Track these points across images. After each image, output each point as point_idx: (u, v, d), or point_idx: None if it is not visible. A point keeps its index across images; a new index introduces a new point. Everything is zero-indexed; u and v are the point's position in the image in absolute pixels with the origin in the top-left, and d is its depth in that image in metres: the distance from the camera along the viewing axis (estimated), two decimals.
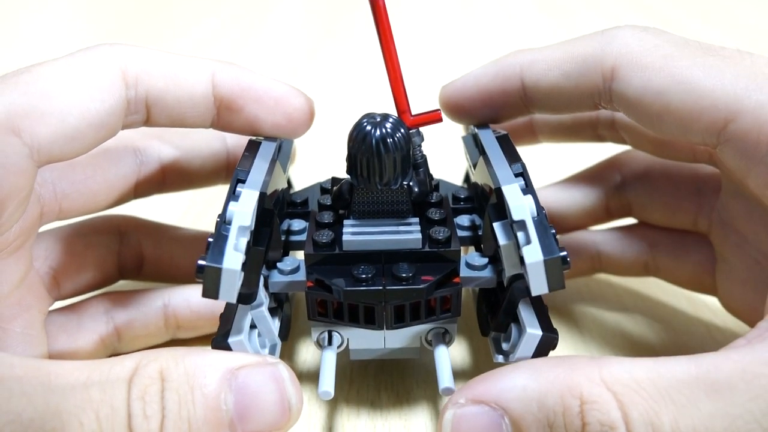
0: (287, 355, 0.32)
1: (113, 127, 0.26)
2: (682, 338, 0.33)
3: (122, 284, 0.33)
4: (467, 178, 0.37)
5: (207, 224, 0.42)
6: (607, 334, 0.34)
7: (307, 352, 0.32)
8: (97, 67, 0.25)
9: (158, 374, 0.20)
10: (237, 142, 0.33)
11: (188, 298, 0.31)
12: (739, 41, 0.82)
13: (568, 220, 0.34)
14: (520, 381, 0.21)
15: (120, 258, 0.32)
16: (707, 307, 0.35)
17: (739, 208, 0.29)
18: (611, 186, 0.34)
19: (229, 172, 0.33)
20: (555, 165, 0.40)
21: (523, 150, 0.29)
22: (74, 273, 0.30)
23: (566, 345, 0.33)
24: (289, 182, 0.36)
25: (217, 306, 0.32)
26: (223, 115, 0.28)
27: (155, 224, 0.34)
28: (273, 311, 0.28)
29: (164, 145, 0.32)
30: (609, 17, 0.84)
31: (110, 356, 0.30)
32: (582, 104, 0.28)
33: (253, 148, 0.28)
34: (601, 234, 0.35)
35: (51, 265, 0.29)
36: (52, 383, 0.20)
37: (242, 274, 0.23)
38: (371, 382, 0.30)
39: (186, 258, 0.33)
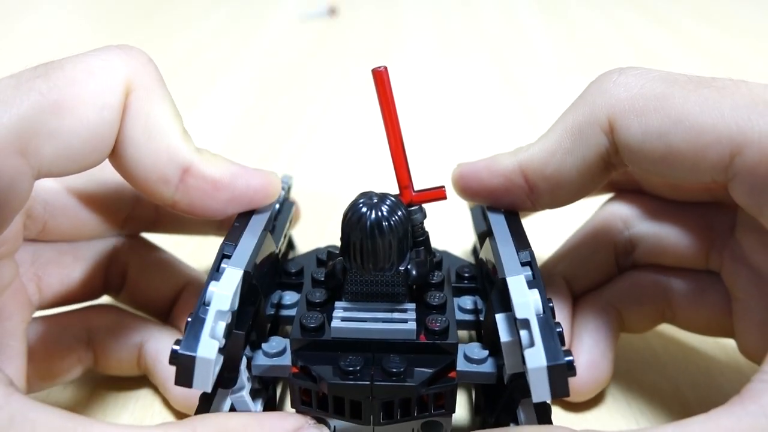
0: None
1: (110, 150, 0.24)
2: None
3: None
4: (475, 250, 0.35)
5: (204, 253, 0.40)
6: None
7: None
8: (109, 82, 0.23)
9: None
10: None
11: (160, 350, 0.29)
12: (730, 37, 0.81)
13: (582, 283, 0.32)
14: None
15: (107, 275, 0.31)
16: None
17: (754, 243, 0.27)
18: (616, 234, 0.31)
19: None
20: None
21: None
22: (59, 284, 0.29)
23: None
24: (291, 243, 0.35)
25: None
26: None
27: (145, 244, 0.32)
28: (258, 392, 0.26)
29: None
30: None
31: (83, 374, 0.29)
32: (592, 174, 0.26)
33: (243, 218, 0.26)
34: (610, 291, 0.31)
35: (36, 272, 0.28)
36: None
37: (220, 359, 0.22)
38: None
39: (161, 291, 0.31)
